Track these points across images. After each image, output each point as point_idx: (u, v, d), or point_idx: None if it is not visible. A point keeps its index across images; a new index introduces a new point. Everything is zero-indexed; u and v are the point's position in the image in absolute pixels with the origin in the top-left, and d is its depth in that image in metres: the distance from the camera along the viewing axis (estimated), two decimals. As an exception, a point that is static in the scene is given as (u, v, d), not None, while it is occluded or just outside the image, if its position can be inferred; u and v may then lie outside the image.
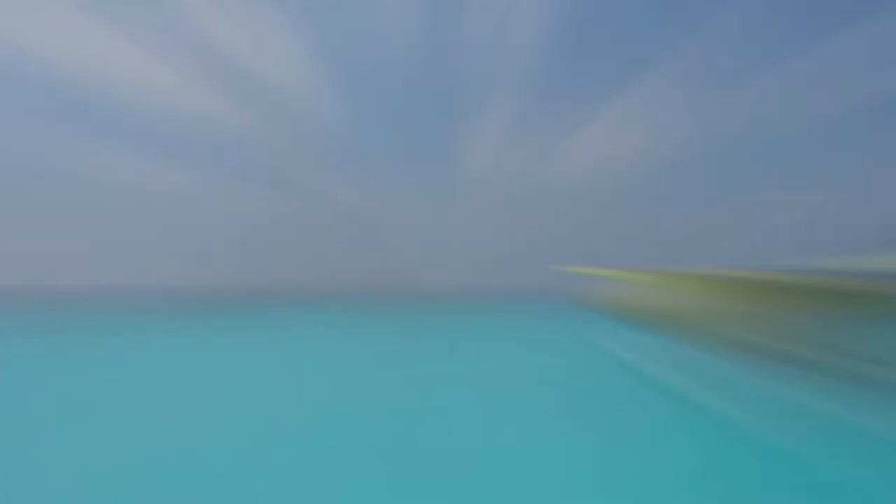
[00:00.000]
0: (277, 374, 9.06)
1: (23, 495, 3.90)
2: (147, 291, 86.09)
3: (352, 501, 3.83)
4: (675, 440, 5.41)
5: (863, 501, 3.86)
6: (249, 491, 3.96)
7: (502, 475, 4.37)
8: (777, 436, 5.51)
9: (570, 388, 8.20)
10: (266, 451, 4.95)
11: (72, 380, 8.51)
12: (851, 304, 7.54)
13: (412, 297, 59.62)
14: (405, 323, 21.55)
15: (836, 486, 4.11)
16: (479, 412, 6.51)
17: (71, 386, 8.00)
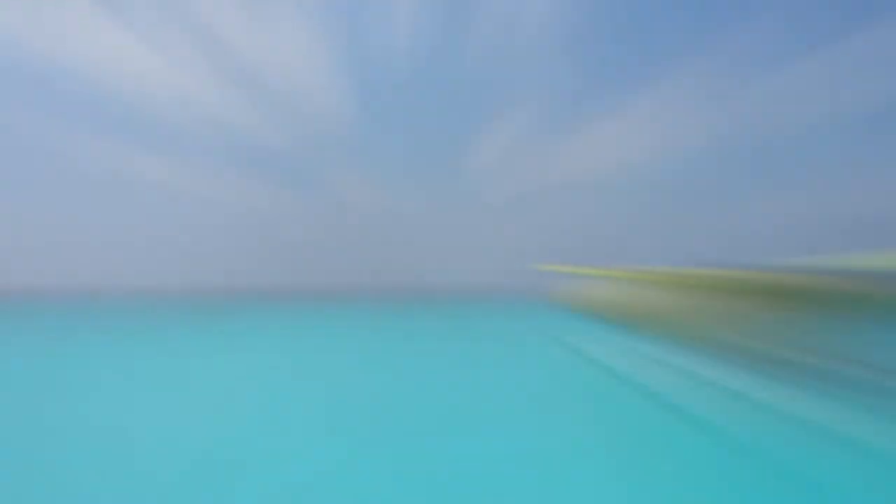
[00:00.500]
0: (260, 375, 9.13)
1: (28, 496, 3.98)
2: (156, 292, 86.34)
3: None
4: (643, 439, 5.42)
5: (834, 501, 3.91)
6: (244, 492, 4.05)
7: (466, 473, 4.40)
8: (752, 436, 5.52)
9: (539, 388, 8.18)
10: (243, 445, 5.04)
11: (74, 383, 8.56)
12: (832, 304, 7.53)
13: (401, 296, 59.88)
14: (385, 324, 21.58)
15: (808, 487, 4.15)
16: (449, 413, 6.50)
17: (74, 389, 8.07)
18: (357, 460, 4.75)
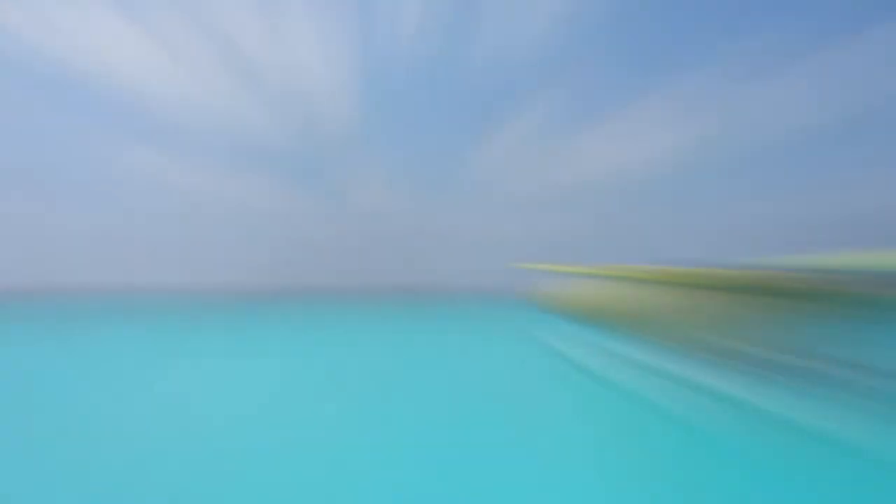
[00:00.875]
0: (256, 378, 9.29)
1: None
2: (163, 291, 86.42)
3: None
4: (618, 439, 5.47)
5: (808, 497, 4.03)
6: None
7: (435, 473, 4.45)
8: (729, 434, 5.56)
9: (513, 387, 8.14)
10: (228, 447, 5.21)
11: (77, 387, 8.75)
12: (810, 303, 7.54)
13: (388, 296, 59.83)
14: (362, 323, 21.40)
15: (786, 484, 4.25)
16: (420, 414, 6.45)
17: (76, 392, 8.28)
18: (323, 459, 4.83)
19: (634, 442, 5.40)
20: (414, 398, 7.39)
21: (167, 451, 5.13)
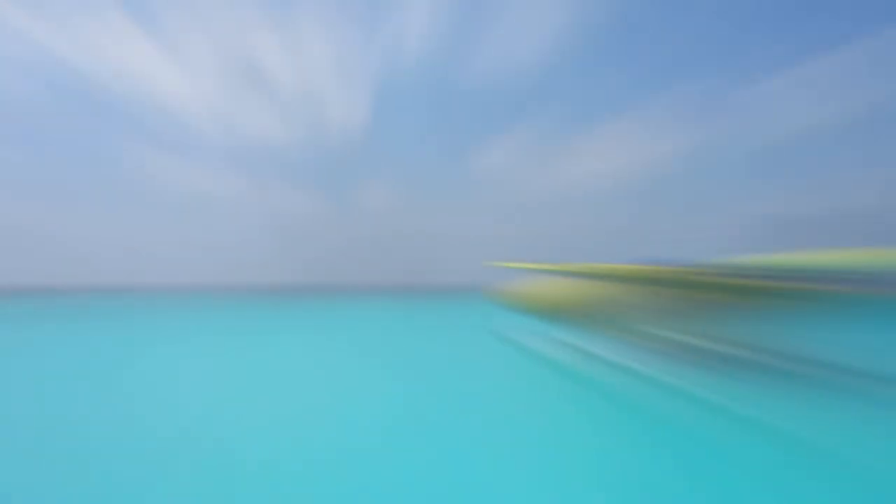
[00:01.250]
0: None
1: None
2: (171, 291, 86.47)
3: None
4: (585, 433, 5.46)
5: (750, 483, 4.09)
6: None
7: (405, 475, 4.35)
8: (693, 431, 5.56)
9: (483, 385, 8.03)
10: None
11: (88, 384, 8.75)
12: (775, 300, 7.62)
13: (371, 295, 59.92)
14: (330, 320, 21.49)
15: (749, 482, 4.26)
16: (385, 413, 6.31)
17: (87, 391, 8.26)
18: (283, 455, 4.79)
19: (599, 437, 5.37)
20: (379, 396, 7.26)
21: (171, 448, 5.13)
